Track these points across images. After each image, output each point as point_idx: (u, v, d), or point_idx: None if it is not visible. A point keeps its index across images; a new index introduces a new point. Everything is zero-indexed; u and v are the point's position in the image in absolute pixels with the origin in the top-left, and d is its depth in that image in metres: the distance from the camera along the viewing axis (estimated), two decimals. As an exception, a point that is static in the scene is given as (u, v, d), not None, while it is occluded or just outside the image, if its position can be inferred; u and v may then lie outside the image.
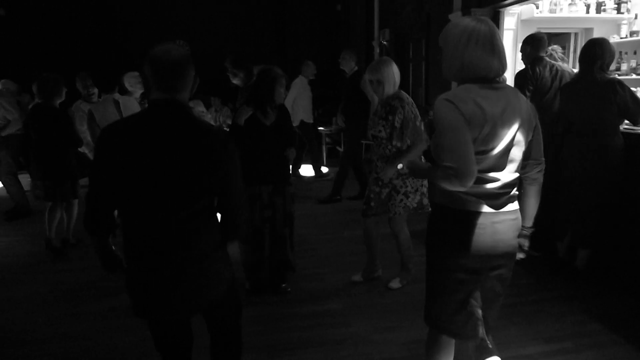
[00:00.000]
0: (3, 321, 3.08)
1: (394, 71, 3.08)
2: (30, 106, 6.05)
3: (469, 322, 1.82)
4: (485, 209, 1.70)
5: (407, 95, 3.13)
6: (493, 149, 1.65)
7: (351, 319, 2.99)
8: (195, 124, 1.65)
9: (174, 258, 1.64)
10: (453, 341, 1.96)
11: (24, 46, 8.61)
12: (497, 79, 1.69)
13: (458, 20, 1.78)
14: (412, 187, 3.15)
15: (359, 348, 2.68)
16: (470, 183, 1.59)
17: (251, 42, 9.58)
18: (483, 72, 1.67)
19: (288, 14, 10.00)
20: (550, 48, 4.09)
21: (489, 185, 1.69)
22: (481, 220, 1.70)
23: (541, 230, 3.75)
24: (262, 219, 3.23)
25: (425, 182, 3.18)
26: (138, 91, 4.52)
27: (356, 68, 5.54)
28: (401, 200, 3.15)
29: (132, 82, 4.45)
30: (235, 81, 4.51)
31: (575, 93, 3.28)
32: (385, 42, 7.65)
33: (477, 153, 1.62)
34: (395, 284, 3.36)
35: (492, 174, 1.69)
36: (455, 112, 1.61)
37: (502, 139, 1.65)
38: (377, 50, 8.02)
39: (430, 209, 3.15)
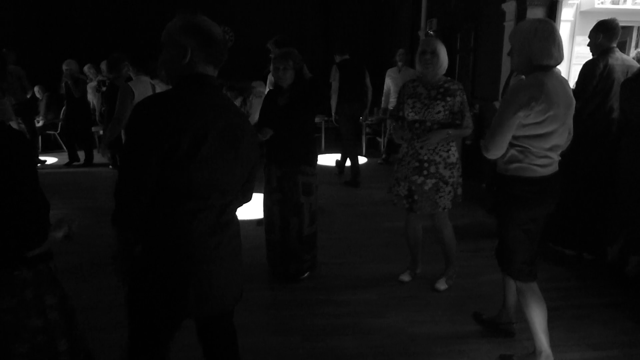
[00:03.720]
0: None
1: (445, 52, 2.91)
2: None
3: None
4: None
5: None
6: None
7: (387, 310, 2.96)
8: (237, 107, 1.61)
9: (220, 249, 1.54)
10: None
11: (86, 29, 8.95)
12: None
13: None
14: (457, 178, 2.98)
15: (393, 339, 2.65)
16: None
17: (294, 31, 9.57)
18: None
19: (332, 1, 9.91)
20: None
21: None
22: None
23: (592, 233, 3.63)
24: (271, 201, 3.27)
25: (461, 173, 3.02)
26: None
27: (347, 57, 5.95)
28: (449, 192, 2.97)
29: None
30: None
31: (636, 90, 3.09)
32: (432, 32, 7.46)
33: None
34: (441, 285, 3.19)
35: None
36: None
37: None
38: (423, 40, 7.85)
39: (460, 201, 3.07)
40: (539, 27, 2.01)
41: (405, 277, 3.34)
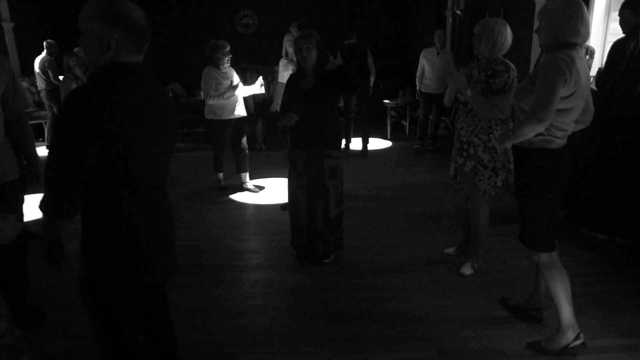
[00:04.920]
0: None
1: (500, 32, 2.78)
2: None
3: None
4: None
5: (514, 66, 2.85)
6: None
7: (411, 295, 2.95)
8: (162, 89, 1.64)
9: (159, 221, 1.63)
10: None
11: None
12: None
13: None
14: (501, 164, 2.91)
15: (417, 324, 2.64)
16: None
17: (318, 11, 9.47)
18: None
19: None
20: None
21: None
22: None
23: (625, 217, 3.51)
24: (297, 186, 3.28)
25: (512, 159, 2.89)
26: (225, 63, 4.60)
27: (353, 41, 6.20)
28: (489, 177, 2.92)
29: (224, 52, 4.55)
30: None
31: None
32: (459, 12, 7.26)
33: None
34: (467, 269, 3.15)
35: None
36: None
37: None
38: (450, 20, 7.64)
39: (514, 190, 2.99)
40: (567, 6, 2.07)
41: (450, 250, 3.45)
